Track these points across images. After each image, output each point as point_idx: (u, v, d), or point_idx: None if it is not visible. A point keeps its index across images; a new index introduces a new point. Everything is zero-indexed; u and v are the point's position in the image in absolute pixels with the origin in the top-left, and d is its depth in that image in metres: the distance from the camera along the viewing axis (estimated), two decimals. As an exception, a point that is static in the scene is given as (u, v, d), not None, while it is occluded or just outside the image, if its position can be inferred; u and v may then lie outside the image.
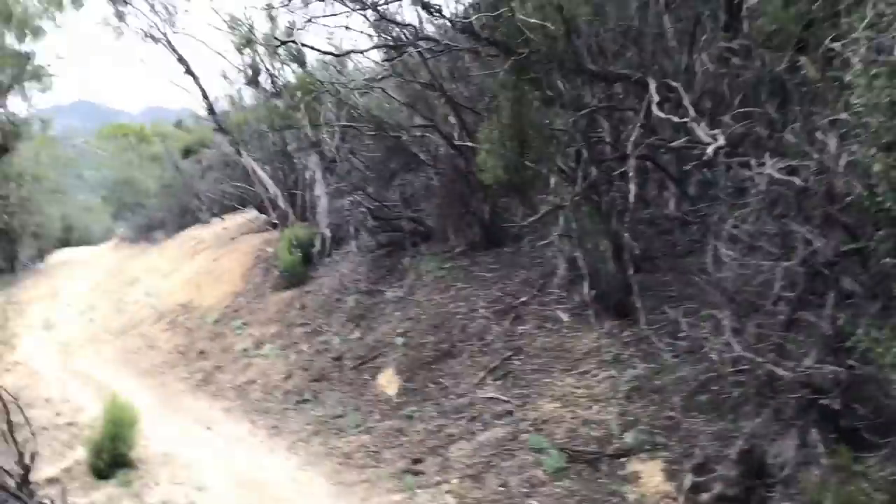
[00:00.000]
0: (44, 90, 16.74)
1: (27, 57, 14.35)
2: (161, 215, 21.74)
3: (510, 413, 4.41)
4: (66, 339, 8.79)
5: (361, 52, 5.57)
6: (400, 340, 5.89)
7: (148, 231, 19.17)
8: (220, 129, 10.49)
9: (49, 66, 15.34)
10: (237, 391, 6.29)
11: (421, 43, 5.40)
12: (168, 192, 21.86)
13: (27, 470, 3.29)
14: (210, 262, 10.63)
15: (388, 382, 5.45)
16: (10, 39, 13.76)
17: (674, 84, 3.81)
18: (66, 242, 41.20)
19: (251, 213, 12.36)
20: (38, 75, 15.46)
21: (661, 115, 3.55)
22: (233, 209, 14.01)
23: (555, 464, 3.72)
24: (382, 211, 8.69)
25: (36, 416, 5.71)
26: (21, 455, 3.28)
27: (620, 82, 4.59)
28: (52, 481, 4.27)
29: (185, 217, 16.64)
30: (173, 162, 19.29)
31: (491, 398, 4.67)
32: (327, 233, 9.04)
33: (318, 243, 9.05)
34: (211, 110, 10.34)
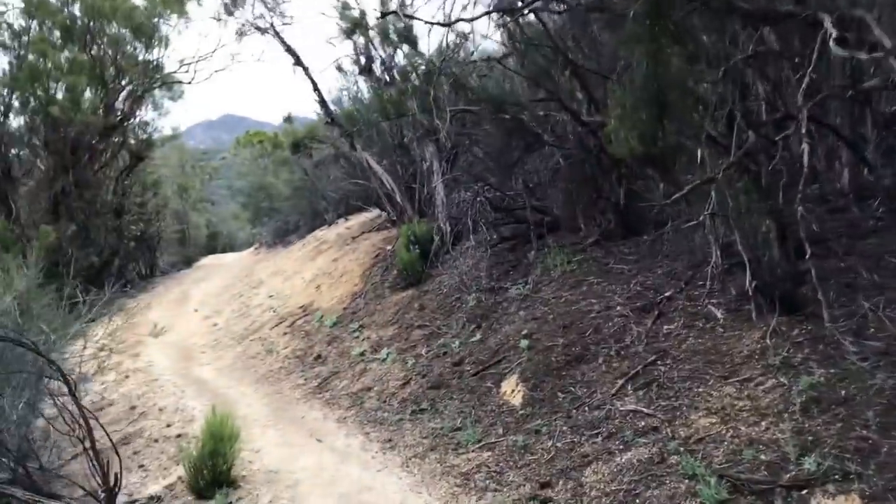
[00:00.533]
0: (175, 98, 18.50)
1: (156, 66, 15.72)
2: (294, 219, 23.25)
3: (655, 429, 3.96)
4: (189, 345, 9.42)
5: (471, 19, 5.32)
6: (525, 343, 5.58)
7: (284, 235, 20.25)
8: (332, 121, 10.73)
9: (175, 72, 16.71)
10: (352, 399, 6.31)
11: (539, 3, 5.08)
12: (299, 194, 23.34)
13: (111, 491, 3.36)
14: (330, 262, 10.98)
15: (511, 391, 5.17)
16: (138, 47, 15.14)
17: (857, 14, 3.18)
18: (212, 249, 45.35)
19: (374, 212, 12.66)
20: (167, 83, 17.03)
21: (843, 52, 2.96)
22: (358, 209, 14.48)
23: (714, 495, 3.23)
24: (504, 201, 8.42)
25: (147, 426, 6.08)
26: (105, 475, 3.35)
27: (782, 23, 3.96)
28: (154, 500, 4.43)
29: (315, 219, 17.53)
30: (301, 165, 20.38)
31: (632, 411, 4.24)
32: (446, 227, 8.94)
33: (436, 239, 8.98)
34: (322, 102, 10.59)
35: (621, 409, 4.30)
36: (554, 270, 6.60)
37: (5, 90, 13.53)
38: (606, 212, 6.93)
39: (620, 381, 4.54)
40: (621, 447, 3.95)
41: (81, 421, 3.61)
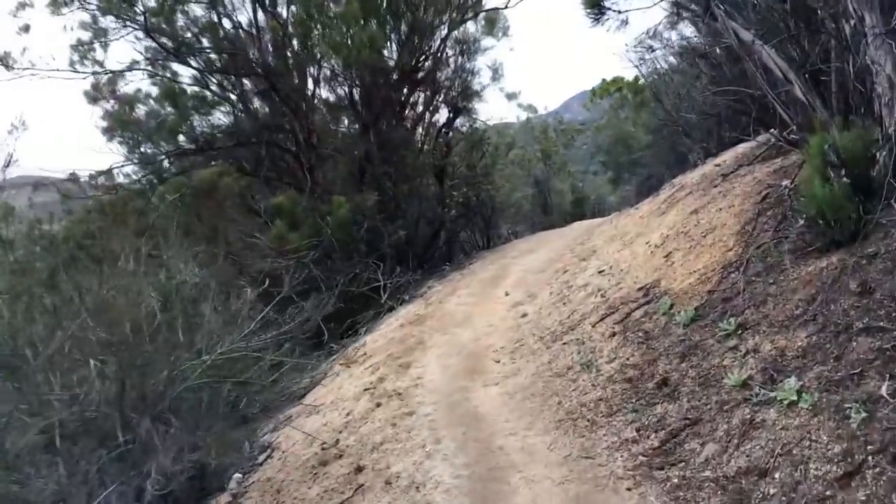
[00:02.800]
0: (494, 34, 17.06)
1: None
2: (657, 170, 21.14)
3: None
4: (481, 347, 7.32)
5: None
6: None
7: (647, 192, 18.97)
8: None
9: None
10: (726, 494, 3.31)
11: None
12: (659, 138, 20.77)
13: None
14: (687, 216, 7.83)
15: None
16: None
17: None
18: (579, 215, 45.31)
19: (755, 141, 9.10)
20: (480, 12, 15.67)
21: None
22: (732, 142, 11.03)
23: None
24: None
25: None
26: None
27: None
28: None
29: (680, 166, 14.69)
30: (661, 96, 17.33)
31: None
32: (904, 132, 5.09)
33: (881, 157, 5.23)
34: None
35: None
36: None
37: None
38: None
39: None
40: None
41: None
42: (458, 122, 16.82)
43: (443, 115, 16.61)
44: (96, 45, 13.49)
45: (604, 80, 42.06)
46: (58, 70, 13.32)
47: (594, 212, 52.37)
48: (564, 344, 6.57)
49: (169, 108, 13.09)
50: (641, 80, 39.05)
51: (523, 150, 46.61)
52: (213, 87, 13.68)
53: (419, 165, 14.51)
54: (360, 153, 13.34)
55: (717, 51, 9.62)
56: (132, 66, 12.73)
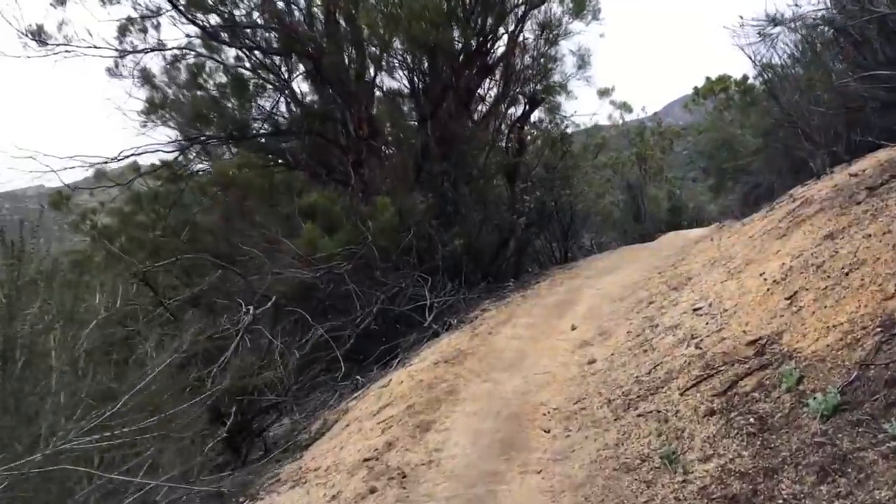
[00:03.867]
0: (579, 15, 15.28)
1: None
2: (767, 179, 19.40)
3: None
4: (528, 408, 5.63)
5: None
6: None
7: (753, 202, 16.12)
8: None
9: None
10: None
11: None
12: (772, 141, 18.72)
13: None
14: (817, 242, 5.99)
15: None
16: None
17: None
18: (675, 224, 42.93)
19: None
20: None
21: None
22: (869, 147, 8.99)
23: None
24: None
25: None
26: None
27: None
28: None
29: (796, 175, 12.65)
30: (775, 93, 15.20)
31: None
32: None
33: None
34: None
35: None
36: None
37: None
38: None
39: None
40: None
41: None
42: (535, 116, 15.20)
43: (519, 109, 15.05)
44: (145, 24, 12.64)
45: (708, 79, 39.43)
46: (95, 47, 12.52)
47: (692, 222, 49.61)
48: (640, 416, 4.87)
49: (199, 91, 12.04)
50: (752, 78, 36.24)
51: (616, 154, 44.38)
52: (255, 68, 12.56)
53: (486, 164, 12.96)
54: (415, 147, 11.92)
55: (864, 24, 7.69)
56: (159, 47, 11.74)
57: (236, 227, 10.48)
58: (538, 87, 14.16)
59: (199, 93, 12.03)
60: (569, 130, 16.05)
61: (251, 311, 7.84)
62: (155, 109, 12.05)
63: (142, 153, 11.02)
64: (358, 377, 8.56)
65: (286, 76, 12.57)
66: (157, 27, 12.73)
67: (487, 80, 14.11)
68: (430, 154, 11.69)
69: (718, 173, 34.26)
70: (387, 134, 12.64)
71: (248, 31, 12.20)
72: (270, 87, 12.48)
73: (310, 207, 10.04)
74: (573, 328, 7.77)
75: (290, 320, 9.82)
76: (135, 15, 12.59)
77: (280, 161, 12.53)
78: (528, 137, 15.21)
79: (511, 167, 14.20)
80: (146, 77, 11.71)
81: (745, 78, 37.35)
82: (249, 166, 11.08)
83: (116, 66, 12.65)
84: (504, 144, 14.43)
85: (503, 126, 14.38)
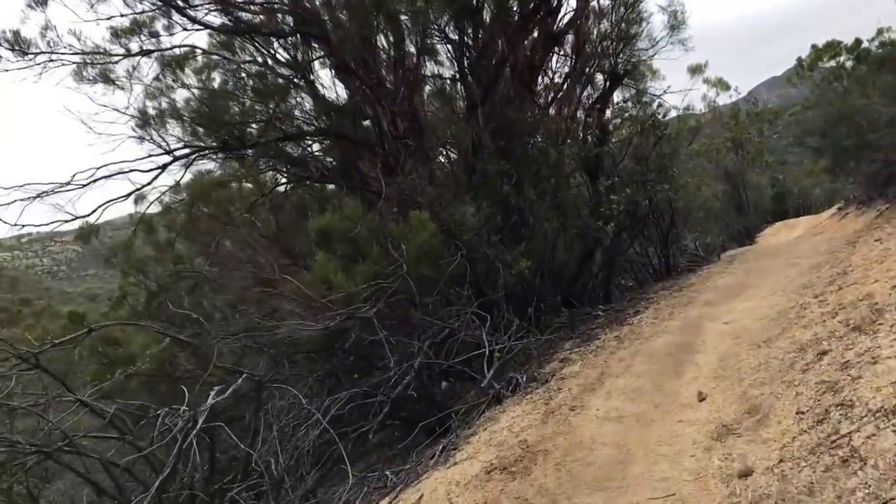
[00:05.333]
0: None
1: None
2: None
3: None
4: None
5: None
6: None
7: (884, 184, 15.59)
8: None
9: None
10: None
11: None
12: None
13: None
14: None
15: None
16: None
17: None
18: (781, 214, 39.25)
19: None
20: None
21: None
22: None
23: None
24: None
25: None
26: None
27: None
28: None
29: None
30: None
31: None
32: None
33: None
34: None
35: None
36: None
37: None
38: None
39: None
40: None
41: None
42: (617, 96, 12.59)
43: (596, 88, 12.47)
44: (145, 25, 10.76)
45: (814, 47, 35.48)
46: (83, 52, 10.69)
47: (798, 209, 45.62)
48: None
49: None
50: (868, 41, 32.41)
51: (708, 140, 40.83)
52: (266, 63, 10.46)
53: (559, 159, 10.44)
54: (464, 143, 9.56)
55: None
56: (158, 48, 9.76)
57: (223, 263, 8.37)
58: (619, 58, 11.59)
59: (200, 94, 10.01)
60: (661, 108, 13.29)
61: (199, 412, 5.54)
62: (149, 120, 10.13)
63: (107, 176, 8.99)
64: (388, 473, 6.24)
65: (305, 66, 10.43)
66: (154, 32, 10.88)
67: (554, 54, 11.67)
68: (483, 150, 9.32)
69: (835, 153, 30.45)
70: (427, 129, 10.31)
71: (253, 16, 10.18)
72: (283, 81, 10.35)
73: (322, 231, 7.81)
74: (701, 398, 5.20)
75: (307, 383, 7.64)
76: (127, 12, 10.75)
77: (296, 173, 10.44)
78: (612, 123, 12.63)
79: (592, 160, 11.65)
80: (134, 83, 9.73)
81: (859, 42, 33.39)
82: (232, 181, 8.99)
83: (108, 73, 10.83)
84: (581, 133, 11.92)
85: (578, 111, 11.87)
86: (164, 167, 9.02)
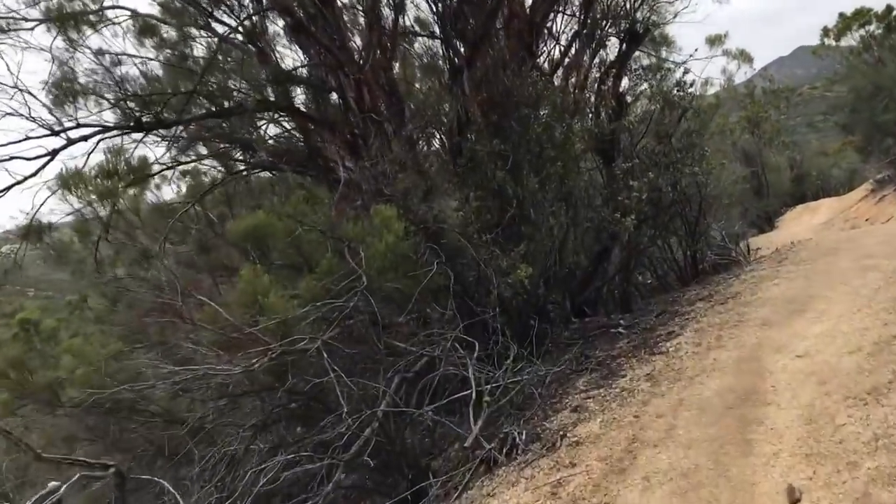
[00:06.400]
0: None
1: None
2: None
3: None
4: None
5: None
6: None
7: None
8: None
9: None
10: None
11: None
12: None
13: None
14: None
15: None
16: None
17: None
18: (799, 197, 37.58)
19: None
20: None
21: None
22: None
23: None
24: None
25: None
26: None
27: None
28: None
29: None
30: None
31: None
32: None
33: None
34: None
35: None
36: None
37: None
38: None
39: None
40: None
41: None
42: (635, 61, 10.73)
43: (610, 51, 10.60)
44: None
45: (842, 15, 33.48)
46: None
47: (817, 192, 43.57)
48: None
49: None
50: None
51: (723, 118, 38.88)
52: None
53: (567, 137, 8.59)
54: (449, 117, 7.73)
55: None
56: None
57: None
58: (637, 13, 9.72)
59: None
60: (686, 77, 11.35)
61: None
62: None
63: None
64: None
65: (252, 27, 8.58)
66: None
67: (559, 13, 9.84)
68: (471, 127, 7.52)
69: (867, 129, 28.38)
70: (405, 102, 8.46)
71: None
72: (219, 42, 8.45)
73: (251, 235, 5.97)
74: (794, 499, 3.45)
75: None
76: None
77: (248, 161, 8.65)
78: (629, 93, 10.78)
79: (606, 139, 9.83)
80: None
81: (890, 9, 31.38)
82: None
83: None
84: (593, 106, 10.08)
85: (589, 79, 10.01)
86: (54, 153, 7.13)
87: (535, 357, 6.53)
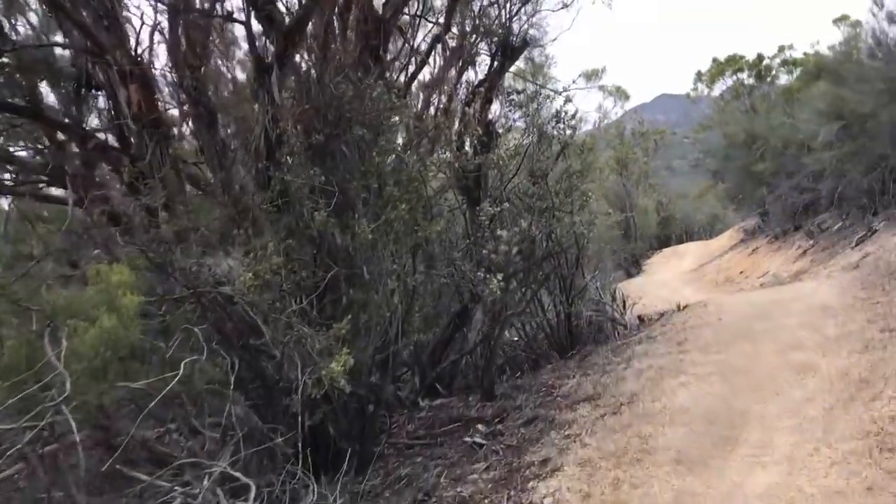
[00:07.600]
0: None
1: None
2: (829, 186, 16.28)
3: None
4: None
5: None
6: None
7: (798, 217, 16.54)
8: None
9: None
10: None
11: None
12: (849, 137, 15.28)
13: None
14: None
15: None
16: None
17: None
18: (664, 240, 38.03)
19: None
20: None
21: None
22: None
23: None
24: None
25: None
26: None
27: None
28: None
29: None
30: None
31: None
32: None
33: None
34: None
35: None
36: None
37: None
38: None
39: None
40: None
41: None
42: (507, 80, 9.02)
43: (479, 68, 8.87)
44: None
45: (715, 60, 33.87)
46: None
47: (681, 236, 44.53)
48: None
49: None
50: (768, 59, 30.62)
51: (595, 156, 38.94)
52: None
53: (419, 170, 6.67)
54: (253, 133, 5.63)
55: None
56: None
57: None
58: (513, 23, 8.03)
59: None
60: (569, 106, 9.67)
61: None
62: None
63: None
64: None
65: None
66: None
67: (417, 17, 8.02)
68: (281, 149, 5.45)
69: (739, 176, 28.31)
70: (213, 108, 6.28)
71: None
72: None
73: None
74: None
75: None
76: None
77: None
78: (500, 122, 9.08)
79: (471, 175, 8.04)
80: None
81: (761, 58, 31.90)
82: None
83: None
84: (457, 133, 8.30)
85: (451, 97, 8.19)
86: None
87: (354, 492, 4.49)
